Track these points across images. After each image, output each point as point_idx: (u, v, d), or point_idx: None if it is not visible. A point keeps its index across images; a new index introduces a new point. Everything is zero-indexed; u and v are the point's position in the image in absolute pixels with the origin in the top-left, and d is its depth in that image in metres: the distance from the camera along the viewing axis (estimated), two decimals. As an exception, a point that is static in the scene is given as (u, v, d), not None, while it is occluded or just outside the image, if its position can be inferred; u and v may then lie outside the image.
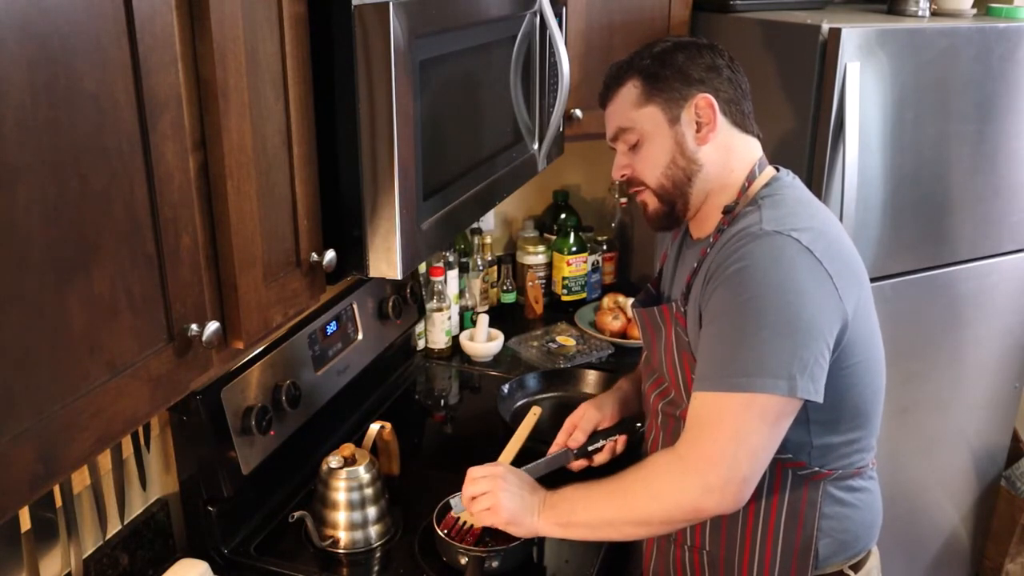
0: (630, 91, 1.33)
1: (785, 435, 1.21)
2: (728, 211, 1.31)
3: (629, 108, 1.33)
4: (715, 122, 1.30)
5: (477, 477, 1.37)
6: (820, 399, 1.18)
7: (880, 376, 1.34)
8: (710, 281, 1.23)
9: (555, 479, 1.42)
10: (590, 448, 1.53)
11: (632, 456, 1.57)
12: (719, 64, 1.32)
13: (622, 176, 1.38)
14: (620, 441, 1.54)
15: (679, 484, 1.22)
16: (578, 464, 1.54)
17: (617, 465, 1.49)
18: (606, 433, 1.55)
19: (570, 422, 1.58)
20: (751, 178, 1.32)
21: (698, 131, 1.31)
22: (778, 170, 1.36)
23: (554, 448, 1.56)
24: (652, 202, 1.37)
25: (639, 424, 1.55)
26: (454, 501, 1.43)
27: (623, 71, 1.35)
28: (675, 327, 1.34)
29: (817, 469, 1.30)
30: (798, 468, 1.30)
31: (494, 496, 1.33)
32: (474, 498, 1.36)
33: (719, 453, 1.19)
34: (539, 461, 1.51)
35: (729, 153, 1.33)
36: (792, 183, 1.34)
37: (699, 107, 1.30)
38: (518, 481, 1.36)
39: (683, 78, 1.30)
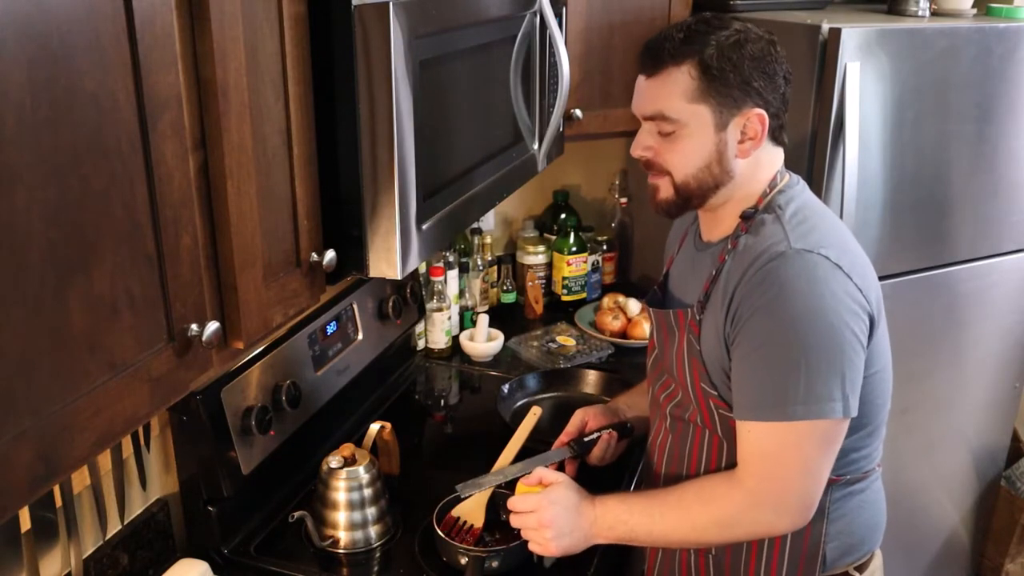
0: (685, 78, 1.23)
1: None
2: (747, 217, 1.29)
3: (678, 98, 1.23)
4: (761, 140, 1.26)
5: (520, 512, 1.34)
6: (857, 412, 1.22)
7: (888, 384, 1.35)
8: (741, 303, 1.21)
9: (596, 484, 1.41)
10: (586, 439, 1.55)
11: (631, 455, 1.58)
12: (778, 72, 1.26)
13: (642, 156, 1.31)
14: (613, 435, 1.55)
15: (751, 515, 1.25)
16: (572, 466, 1.55)
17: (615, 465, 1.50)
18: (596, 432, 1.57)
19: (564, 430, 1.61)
20: (772, 185, 1.30)
21: (740, 142, 1.26)
22: (789, 174, 1.34)
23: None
24: (667, 191, 1.30)
25: (628, 425, 1.58)
26: (460, 488, 1.44)
27: (682, 51, 1.23)
28: (688, 334, 1.32)
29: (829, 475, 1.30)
30: None
31: (542, 537, 1.32)
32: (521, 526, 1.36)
33: (790, 484, 1.22)
34: (537, 456, 1.52)
35: (758, 165, 1.29)
36: (803, 190, 1.33)
37: (750, 122, 1.25)
38: (563, 512, 1.31)
39: (743, 84, 1.22)
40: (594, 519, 1.32)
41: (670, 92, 1.24)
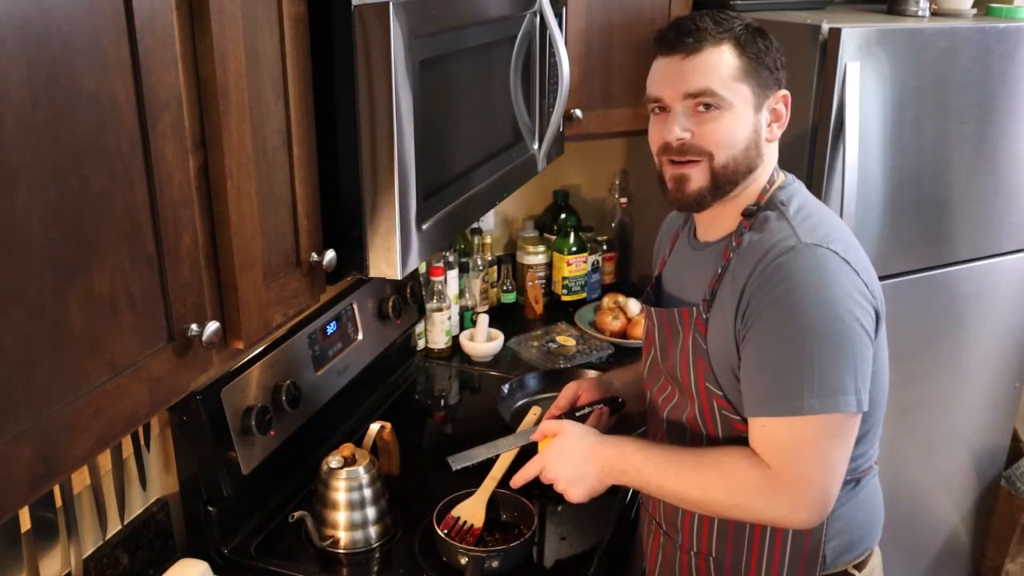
0: (729, 58, 1.24)
1: None
2: (750, 214, 1.29)
3: (727, 75, 1.24)
4: (786, 121, 1.29)
5: (530, 475, 1.37)
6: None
7: (886, 379, 1.34)
8: (752, 299, 1.21)
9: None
10: (577, 414, 1.54)
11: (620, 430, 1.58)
12: (784, 64, 1.31)
13: (679, 141, 1.26)
14: (605, 411, 1.54)
15: (765, 503, 1.23)
16: None
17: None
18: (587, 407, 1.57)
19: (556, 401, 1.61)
20: (771, 181, 1.32)
21: (768, 125, 1.29)
22: (785, 173, 1.35)
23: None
24: (702, 179, 1.27)
25: (620, 400, 1.57)
26: (451, 460, 1.44)
27: (717, 32, 1.24)
28: (694, 333, 1.31)
29: None
30: None
31: (557, 488, 1.34)
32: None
33: (808, 478, 1.21)
34: (525, 431, 1.52)
35: (770, 157, 1.32)
36: (801, 187, 1.34)
37: (779, 104, 1.29)
38: (568, 462, 1.33)
39: (773, 66, 1.27)
40: (606, 462, 1.31)
41: (715, 69, 1.23)
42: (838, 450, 1.22)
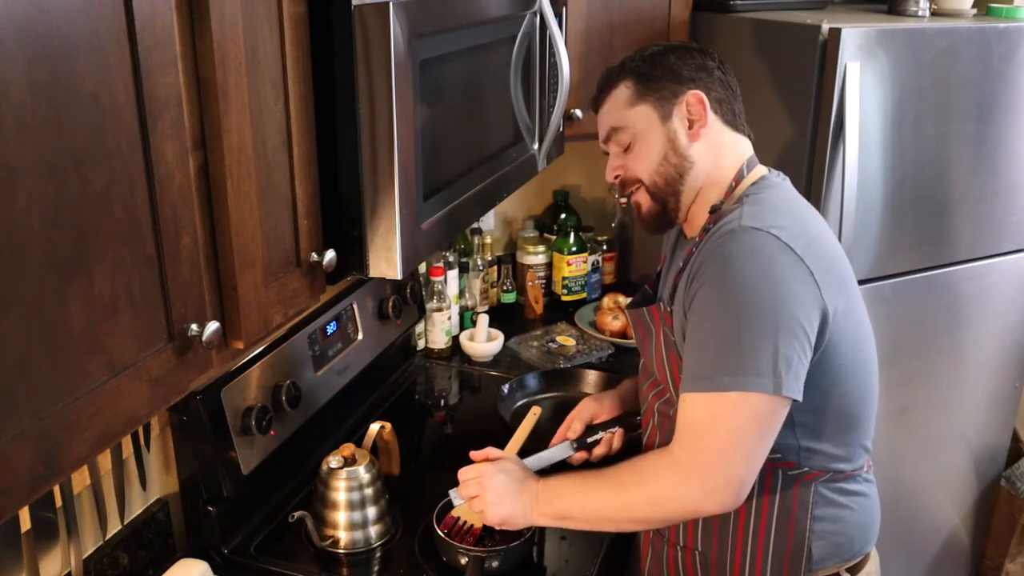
0: (622, 92, 1.35)
1: None
2: (714, 210, 1.32)
3: (622, 108, 1.35)
4: (706, 118, 1.32)
5: (466, 480, 1.38)
6: (800, 397, 1.19)
7: (868, 379, 1.33)
8: (693, 280, 1.24)
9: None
10: (589, 440, 1.55)
11: (629, 453, 1.58)
12: (709, 65, 1.34)
13: (616, 177, 1.39)
14: (617, 435, 1.55)
15: (679, 488, 1.23)
16: (578, 457, 1.56)
17: (612, 458, 1.52)
18: (604, 426, 1.57)
19: (570, 416, 1.62)
20: (739, 177, 1.33)
21: (690, 128, 1.32)
22: (769, 171, 1.36)
23: (555, 441, 1.58)
24: (646, 201, 1.37)
25: (638, 418, 1.56)
26: (453, 493, 1.42)
27: (615, 74, 1.37)
28: (663, 327, 1.34)
29: (807, 470, 1.30)
30: (788, 468, 1.30)
31: (482, 502, 1.35)
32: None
33: (716, 457, 1.20)
34: (540, 454, 1.52)
35: (720, 151, 1.34)
36: (780, 183, 1.35)
37: (690, 104, 1.32)
38: (506, 481, 1.35)
39: (674, 77, 1.32)
40: (535, 495, 1.33)
41: (614, 107, 1.37)
42: (754, 434, 1.19)
